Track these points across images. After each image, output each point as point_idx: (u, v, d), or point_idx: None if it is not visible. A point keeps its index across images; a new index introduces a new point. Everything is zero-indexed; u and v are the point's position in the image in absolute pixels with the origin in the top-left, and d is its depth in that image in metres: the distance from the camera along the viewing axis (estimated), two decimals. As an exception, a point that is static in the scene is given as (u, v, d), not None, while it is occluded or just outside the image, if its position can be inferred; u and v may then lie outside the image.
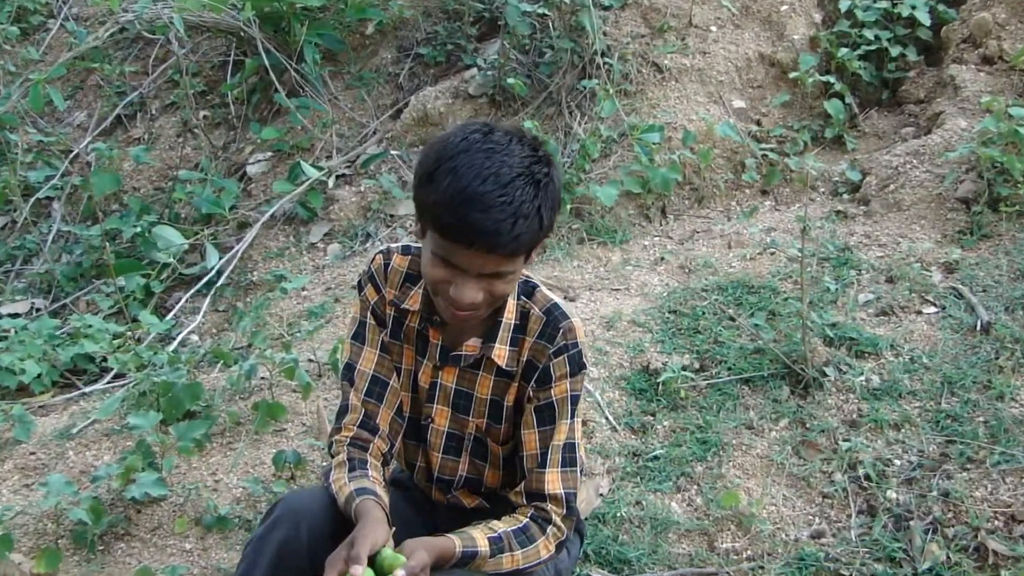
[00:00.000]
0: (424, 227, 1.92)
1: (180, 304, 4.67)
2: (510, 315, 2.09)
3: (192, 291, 4.72)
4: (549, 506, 2.09)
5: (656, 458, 3.19)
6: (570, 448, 2.11)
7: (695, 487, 3.08)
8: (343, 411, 2.18)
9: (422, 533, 2.05)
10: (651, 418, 3.37)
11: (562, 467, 2.10)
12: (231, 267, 4.85)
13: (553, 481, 2.09)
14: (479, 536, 2.00)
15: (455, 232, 1.81)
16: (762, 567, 2.77)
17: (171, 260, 4.71)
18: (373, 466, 2.12)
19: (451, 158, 1.83)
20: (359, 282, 2.20)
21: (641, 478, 3.12)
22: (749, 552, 2.85)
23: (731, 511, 2.95)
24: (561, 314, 2.08)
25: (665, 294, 4.04)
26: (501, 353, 2.09)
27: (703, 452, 3.18)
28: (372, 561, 1.85)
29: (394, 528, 1.93)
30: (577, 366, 2.08)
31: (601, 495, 3.04)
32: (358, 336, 2.19)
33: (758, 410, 3.33)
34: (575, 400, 2.10)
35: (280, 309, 4.42)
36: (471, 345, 2.11)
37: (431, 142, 1.92)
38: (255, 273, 4.88)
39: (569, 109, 5.05)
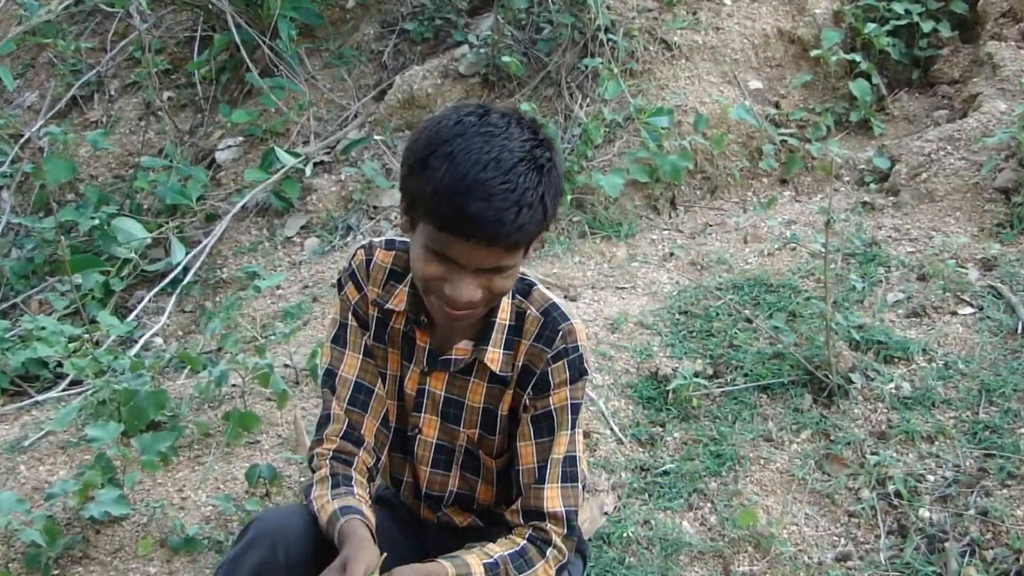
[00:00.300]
0: (414, 219, 1.92)
1: (142, 304, 4.65)
2: (504, 315, 2.09)
3: (156, 290, 4.71)
4: (548, 525, 2.10)
5: (666, 473, 3.19)
6: (570, 462, 2.11)
7: (709, 505, 3.08)
8: (324, 421, 2.18)
9: (410, 556, 2.06)
10: (660, 429, 3.37)
11: (562, 483, 2.10)
12: (199, 263, 4.84)
13: (552, 498, 2.10)
14: (473, 562, 2.00)
15: (453, 223, 1.81)
16: (782, 592, 2.79)
17: (132, 255, 4.70)
18: (358, 482, 2.12)
19: (446, 143, 1.83)
20: (339, 280, 2.20)
21: (650, 495, 3.12)
22: (768, 576, 2.86)
23: (748, 531, 2.95)
24: (560, 315, 2.08)
25: (675, 293, 4.03)
26: (494, 357, 2.09)
27: (717, 466, 3.18)
28: (358, 588, 1.84)
29: (385, 555, 1.93)
30: (578, 372, 2.08)
31: (606, 513, 3.04)
32: (338, 339, 2.19)
33: (777, 420, 3.33)
34: (576, 409, 2.10)
35: (253, 309, 4.41)
36: (462, 348, 2.11)
37: (421, 126, 1.92)
38: (225, 270, 4.87)
39: (570, 90, 5.05)
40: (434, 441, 2.21)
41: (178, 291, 4.71)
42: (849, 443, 3.20)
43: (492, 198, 1.79)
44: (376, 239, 2.20)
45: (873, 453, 3.14)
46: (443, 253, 1.87)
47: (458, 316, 1.96)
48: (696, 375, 3.46)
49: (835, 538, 2.95)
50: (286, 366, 3.77)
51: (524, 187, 1.82)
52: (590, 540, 2.87)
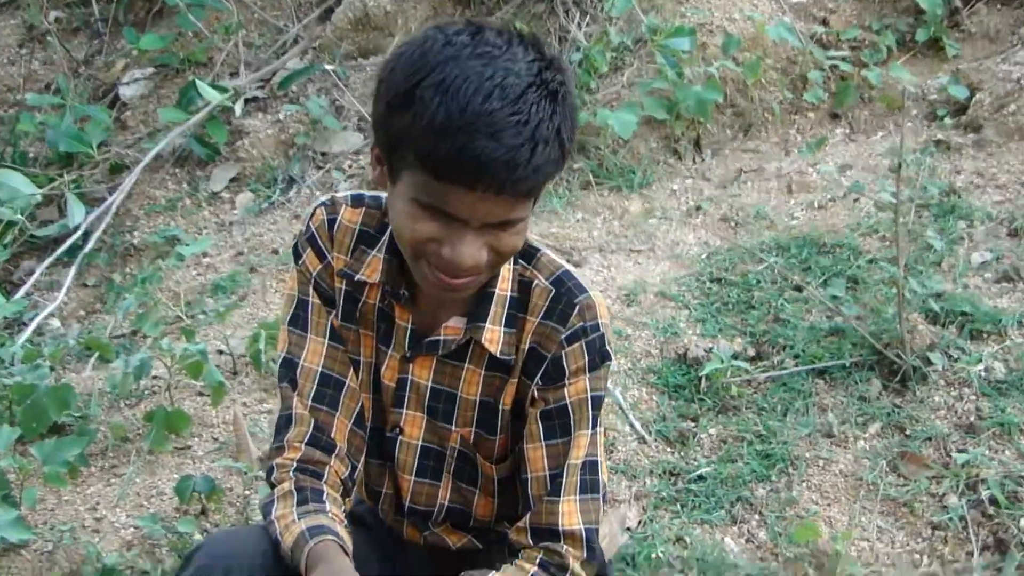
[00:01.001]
0: (396, 169, 1.90)
1: (33, 277, 4.63)
2: (505, 285, 2.07)
3: (49, 259, 4.69)
4: (564, 547, 2.08)
5: (701, 478, 3.21)
6: (591, 468, 2.10)
7: (756, 517, 3.10)
8: (284, 424, 2.15)
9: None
10: (692, 424, 3.39)
11: (580, 494, 2.09)
12: (103, 226, 4.82)
13: (569, 513, 2.08)
14: (475, 598, 2.00)
15: (452, 169, 1.79)
16: (853, 623, 2.80)
17: (18, 217, 4.65)
18: (331, 498, 2.10)
19: (435, 69, 1.81)
20: (295, 246, 2.17)
21: (682, 505, 3.14)
22: (834, 604, 2.87)
23: (808, 549, 2.96)
24: (576, 285, 2.06)
25: (704, 256, 4.05)
26: (493, 336, 2.07)
27: (765, 469, 3.20)
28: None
29: None
30: (599, 356, 2.06)
31: (628, 529, 3.05)
32: (297, 321, 2.16)
33: (839, 412, 3.35)
34: (597, 403, 2.09)
35: (174, 282, 4.41)
36: (452, 327, 2.09)
37: (398, 51, 1.89)
38: (136, 234, 4.87)
39: (565, 6, 5.04)
40: (419, 443, 2.19)
41: (78, 261, 4.70)
42: (929, 438, 3.22)
43: (501, 134, 1.77)
44: (339, 194, 2.17)
45: (960, 450, 3.16)
46: (439, 207, 1.85)
47: (457, 285, 1.94)
48: (735, 357, 3.48)
49: (916, 556, 2.96)
50: (221, 352, 3.77)
51: (538, 118, 1.81)
52: (610, 562, 2.87)
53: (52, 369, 3.58)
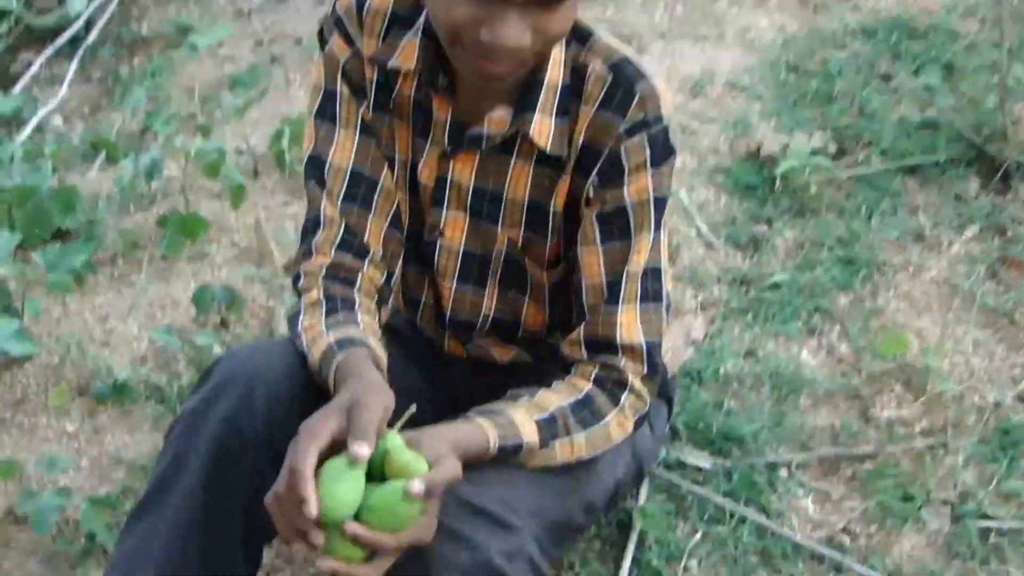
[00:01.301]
0: None
1: (32, 70, 4.63)
2: (556, 71, 2.02)
3: (49, 51, 4.70)
4: (622, 361, 2.07)
5: (776, 286, 3.19)
6: (654, 276, 2.07)
7: (837, 328, 3.09)
8: (312, 226, 2.14)
9: (429, 406, 2.01)
10: (766, 228, 3.38)
11: (642, 303, 2.07)
12: (107, 15, 4.81)
13: (628, 324, 2.06)
14: (522, 419, 1.97)
15: None
16: (944, 445, 2.77)
17: (12, 4, 4.64)
18: (364, 307, 2.09)
19: None
20: (320, 32, 2.14)
21: (755, 316, 3.13)
22: (924, 424, 2.84)
23: (894, 363, 2.94)
24: (635, 72, 2.00)
25: (780, 43, 4.05)
26: (543, 128, 2.02)
27: (848, 276, 3.19)
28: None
29: (413, 407, 1.88)
30: (663, 151, 2.01)
31: (694, 342, 3.04)
32: (324, 113, 2.13)
33: (931, 213, 3.35)
34: (660, 204, 2.05)
35: (188, 76, 4.40)
36: (497, 118, 2.04)
37: None
38: (144, 23, 4.85)
39: None
40: (461, 247, 2.17)
41: (80, 53, 4.70)
42: (1034, 241, 3.22)
43: None
44: (369, -27, 2.12)
45: (1069, 254, 3.17)
46: (478, -15, 1.80)
47: (498, 73, 1.88)
48: (814, 153, 3.46)
49: (1016, 370, 2.95)
50: (240, 152, 3.78)
51: None
52: (674, 378, 2.87)
53: (55, 170, 3.60)
